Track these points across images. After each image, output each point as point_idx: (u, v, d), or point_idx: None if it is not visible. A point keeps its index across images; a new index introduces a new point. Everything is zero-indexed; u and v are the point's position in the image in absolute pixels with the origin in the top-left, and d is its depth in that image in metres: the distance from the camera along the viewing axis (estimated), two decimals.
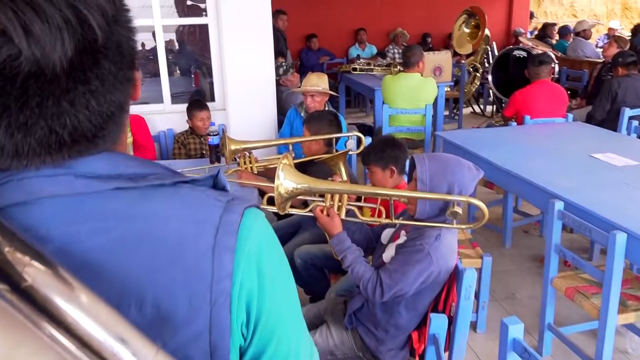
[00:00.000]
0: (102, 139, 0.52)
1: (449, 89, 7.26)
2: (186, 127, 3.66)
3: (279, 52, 5.20)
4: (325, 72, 8.14)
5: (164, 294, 0.50)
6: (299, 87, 3.81)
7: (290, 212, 1.84)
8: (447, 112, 7.67)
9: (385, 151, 2.29)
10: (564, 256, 2.37)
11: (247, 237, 0.55)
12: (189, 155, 3.60)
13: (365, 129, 5.67)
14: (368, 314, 1.85)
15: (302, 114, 3.62)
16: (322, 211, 1.83)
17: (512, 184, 2.89)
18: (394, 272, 1.70)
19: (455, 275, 1.77)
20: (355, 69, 6.64)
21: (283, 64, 4.47)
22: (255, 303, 0.55)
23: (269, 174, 2.76)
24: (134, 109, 3.85)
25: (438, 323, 1.51)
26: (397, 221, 1.84)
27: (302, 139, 2.74)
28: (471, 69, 7.38)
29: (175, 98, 4.29)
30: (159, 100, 3.97)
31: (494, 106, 7.48)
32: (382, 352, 1.82)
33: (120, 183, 0.52)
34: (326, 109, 3.56)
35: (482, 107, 7.93)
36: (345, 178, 2.35)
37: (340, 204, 1.84)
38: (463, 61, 7.53)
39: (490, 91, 6.95)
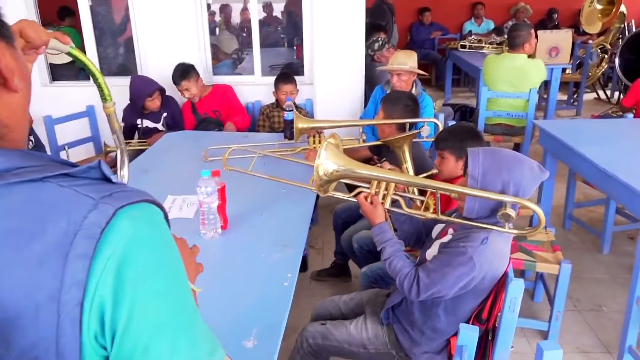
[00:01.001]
0: None
1: (569, 72, 6.62)
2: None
3: (380, 26, 5.04)
4: (436, 48, 7.87)
5: (9, 296, 0.48)
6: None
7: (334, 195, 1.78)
8: (566, 97, 7.03)
9: (465, 141, 2.11)
10: None
11: (112, 241, 0.51)
12: (273, 128, 3.65)
13: (467, 111, 5.36)
14: (406, 312, 1.76)
15: (388, 92, 3.49)
16: (366, 198, 1.75)
17: (609, 186, 2.56)
18: (432, 272, 1.58)
19: (504, 284, 1.61)
20: (464, 46, 6.29)
21: (379, 38, 4.32)
22: (110, 313, 0.51)
23: None
24: (226, 79, 3.98)
25: (467, 335, 1.39)
26: (443, 217, 1.70)
27: (373, 122, 2.64)
28: (599, 50, 6.64)
29: (275, 70, 4.36)
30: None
31: (621, 93, 6.69)
32: (416, 353, 1.73)
33: None
34: (414, 89, 3.40)
35: (608, 93, 7.13)
36: (408, 164, 2.23)
37: (386, 192, 1.74)
38: (591, 41, 6.79)
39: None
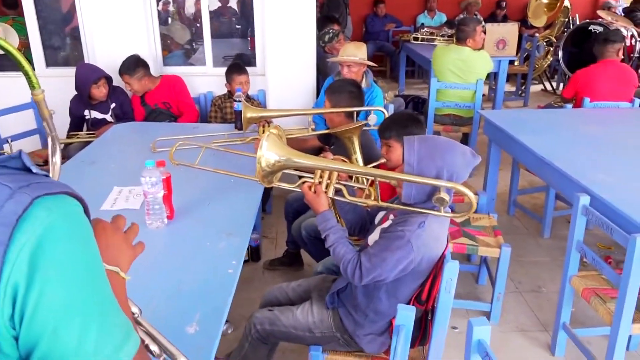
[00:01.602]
0: None
1: (518, 64, 6.85)
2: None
3: (332, 18, 5.08)
4: (391, 40, 7.98)
5: None
6: None
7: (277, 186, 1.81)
8: (514, 89, 7.26)
9: (409, 127, 2.17)
10: (585, 255, 2.20)
11: (27, 229, 0.53)
12: (225, 119, 3.64)
13: (419, 102, 5.48)
14: (350, 296, 1.81)
15: None
16: (309, 188, 1.79)
17: (546, 173, 2.69)
18: (373, 256, 1.64)
19: (442, 266, 1.68)
20: (416, 38, 6.40)
21: (330, 30, 4.36)
22: (21, 297, 0.53)
23: (289, 144, 2.73)
24: (177, 70, 3.94)
25: (404, 314, 1.45)
26: (383, 204, 1.76)
27: (321, 111, 2.68)
28: (545, 43, 6.88)
29: (228, 60, 4.33)
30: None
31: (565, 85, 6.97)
32: (359, 335, 1.78)
33: None
34: (364, 80, 3.46)
35: (554, 84, 7.41)
36: (358, 155, 2.28)
37: (329, 181, 1.79)
38: (537, 34, 7.03)
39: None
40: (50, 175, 1.03)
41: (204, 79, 3.95)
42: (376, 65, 3.67)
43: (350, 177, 1.86)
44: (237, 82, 3.58)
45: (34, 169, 0.59)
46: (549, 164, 2.56)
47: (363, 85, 3.44)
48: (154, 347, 0.83)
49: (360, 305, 1.77)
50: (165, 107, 3.71)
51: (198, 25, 4.45)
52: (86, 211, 0.64)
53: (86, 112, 3.59)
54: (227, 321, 2.57)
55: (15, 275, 0.53)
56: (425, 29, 6.67)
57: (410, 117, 2.21)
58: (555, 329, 2.42)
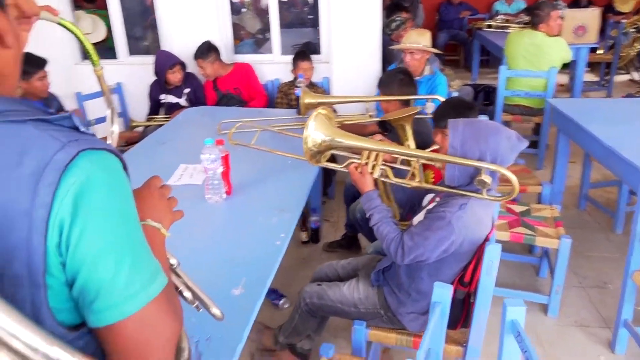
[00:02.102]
0: None
1: (602, 52, 6.47)
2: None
3: (401, 6, 5.05)
4: (465, 29, 7.79)
5: None
6: None
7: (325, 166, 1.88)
8: (598, 79, 6.87)
9: (463, 114, 2.16)
10: None
11: (74, 175, 0.63)
12: (290, 105, 3.75)
13: (490, 91, 5.34)
14: (394, 275, 1.86)
15: None
16: (356, 168, 1.85)
17: (611, 162, 2.56)
18: (415, 236, 1.67)
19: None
20: (490, 26, 6.22)
21: (397, 18, 4.34)
22: (66, 231, 0.63)
23: (349, 129, 2.78)
24: (247, 58, 4.09)
25: (440, 292, 1.48)
26: (426, 185, 1.79)
27: (377, 99, 2.72)
28: (633, 30, 6.45)
29: (296, 49, 4.45)
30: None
31: None
32: (402, 313, 1.83)
33: None
34: (427, 67, 3.44)
35: None
36: (410, 140, 2.30)
37: (375, 162, 1.83)
38: (625, 20, 6.60)
39: None
40: (109, 142, 1.17)
41: (272, 66, 4.09)
42: (440, 52, 3.62)
43: (396, 160, 1.90)
44: (300, 69, 3.68)
45: (82, 128, 0.69)
46: (615, 154, 2.45)
47: (426, 72, 3.44)
48: (187, 294, 0.92)
49: (403, 285, 1.81)
50: (235, 93, 3.88)
51: (269, 15, 4.60)
52: (125, 168, 0.74)
53: (162, 96, 3.83)
54: (284, 296, 2.69)
55: (62, 212, 0.63)
56: (501, 16, 6.45)
57: (465, 104, 2.19)
58: (617, 326, 2.33)
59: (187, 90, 3.84)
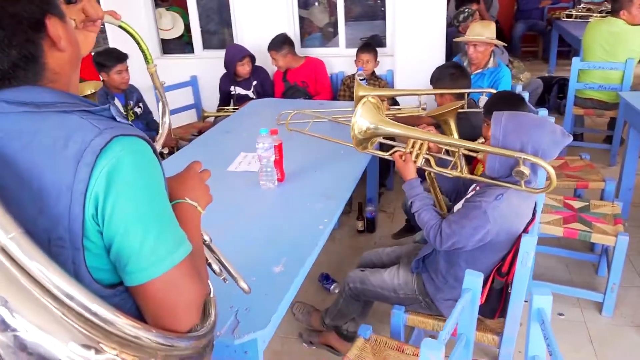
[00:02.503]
0: (16, 79, 0.80)
1: None
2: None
3: None
4: (545, 18, 7.48)
5: (44, 184, 0.76)
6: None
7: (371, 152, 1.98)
8: None
9: (512, 107, 2.18)
10: None
11: (107, 157, 0.77)
12: (352, 98, 3.84)
13: (565, 84, 5.13)
14: (433, 262, 1.92)
15: (465, 64, 3.54)
16: (400, 157, 1.92)
17: None
18: (453, 223, 1.73)
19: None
20: (570, 15, 5.95)
21: (466, 10, 4.30)
22: (101, 204, 0.77)
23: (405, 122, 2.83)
24: (313, 52, 4.23)
25: (470, 279, 1.53)
26: (467, 175, 1.83)
27: (429, 92, 2.75)
28: None
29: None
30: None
31: None
32: (439, 299, 1.89)
33: (28, 108, 0.79)
34: (491, 60, 3.42)
35: None
36: (454, 134, 2.33)
37: (419, 151, 1.90)
38: None
39: None
40: (160, 131, 1.32)
41: (338, 59, 4.20)
42: (503, 44, 3.57)
43: (441, 151, 1.95)
44: (360, 61, 3.76)
45: (118, 118, 0.83)
46: None
47: (490, 64, 3.41)
48: (215, 266, 1.06)
49: (441, 271, 1.88)
50: (302, 86, 4.03)
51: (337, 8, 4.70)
52: (155, 153, 0.86)
53: (232, 88, 4.05)
54: (335, 282, 2.82)
55: (97, 187, 0.76)
56: (582, 4, 6.15)
57: (515, 97, 2.20)
58: None
59: (255, 83, 4.04)
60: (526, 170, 1.61)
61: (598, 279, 2.82)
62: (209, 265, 1.06)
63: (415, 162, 1.90)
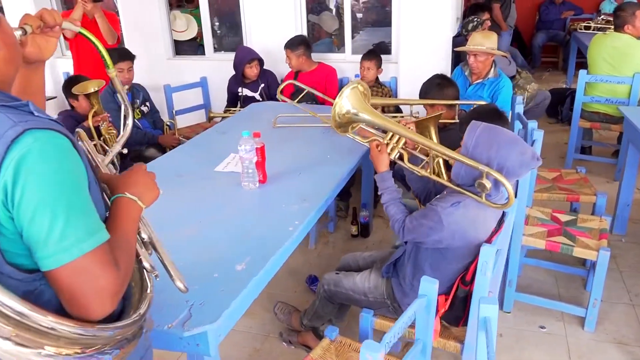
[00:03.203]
0: None
1: None
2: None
3: (484, 6, 4.97)
4: (566, 30, 7.39)
5: None
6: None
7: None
8: None
9: (493, 120, 2.21)
10: None
11: (18, 148, 0.82)
12: None
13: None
14: (402, 266, 1.96)
15: (467, 73, 3.55)
16: (377, 146, 1.98)
17: None
18: (414, 219, 1.81)
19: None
20: (588, 27, 5.88)
21: (475, 19, 4.30)
22: (10, 191, 0.83)
23: None
24: (319, 57, 4.29)
25: (426, 286, 1.56)
26: (433, 177, 1.88)
27: (419, 102, 2.79)
28: None
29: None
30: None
31: None
32: (406, 304, 1.92)
33: None
34: (492, 70, 3.42)
35: None
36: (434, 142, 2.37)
37: (395, 145, 1.97)
38: None
39: None
40: (122, 133, 1.39)
41: (344, 65, 4.25)
42: (505, 55, 3.57)
43: (416, 148, 2.01)
44: (362, 67, 3.81)
45: (36, 113, 0.89)
46: None
47: (491, 75, 3.42)
48: (145, 263, 1.09)
49: (408, 276, 1.91)
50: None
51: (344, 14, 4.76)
52: (74, 145, 0.91)
53: (239, 90, 4.14)
54: None
55: (7, 176, 0.82)
56: (602, 16, 6.07)
57: (495, 113, 2.20)
58: None
59: (262, 85, 4.12)
60: (488, 184, 1.64)
61: (586, 294, 2.80)
62: (139, 261, 1.10)
63: (389, 154, 1.96)
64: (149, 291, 1.11)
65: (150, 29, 4.58)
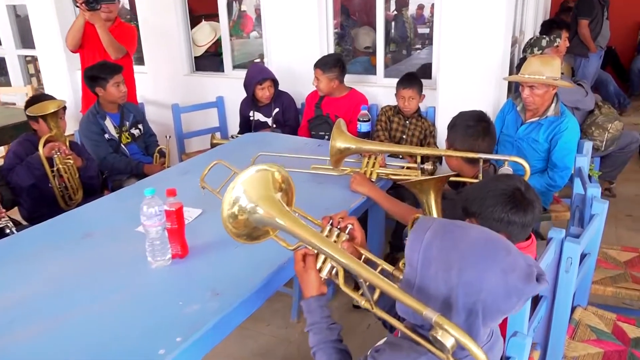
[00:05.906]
0: None
1: None
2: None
3: (561, 23, 4.07)
4: None
5: None
6: None
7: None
8: None
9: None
10: None
11: None
12: (390, 136, 3.16)
13: None
14: None
15: (519, 109, 2.76)
16: (303, 256, 1.31)
17: None
18: None
19: None
20: None
21: (545, 38, 3.42)
22: None
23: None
24: (349, 78, 3.63)
25: None
26: (377, 312, 1.16)
27: (427, 152, 2.07)
28: None
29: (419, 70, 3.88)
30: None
31: None
32: None
33: None
34: (553, 105, 2.61)
35: None
36: (433, 211, 1.65)
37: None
38: None
39: None
40: None
41: (375, 89, 3.56)
42: (571, 86, 2.72)
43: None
44: (400, 97, 3.11)
45: None
46: None
47: (550, 112, 2.61)
48: None
49: None
50: (334, 120, 3.42)
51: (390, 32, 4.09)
52: None
53: (251, 113, 3.57)
54: None
55: None
56: None
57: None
58: None
59: (276, 110, 3.53)
60: (447, 340, 0.91)
61: None
62: None
63: (320, 271, 1.28)
64: None
65: (167, 47, 4.18)
